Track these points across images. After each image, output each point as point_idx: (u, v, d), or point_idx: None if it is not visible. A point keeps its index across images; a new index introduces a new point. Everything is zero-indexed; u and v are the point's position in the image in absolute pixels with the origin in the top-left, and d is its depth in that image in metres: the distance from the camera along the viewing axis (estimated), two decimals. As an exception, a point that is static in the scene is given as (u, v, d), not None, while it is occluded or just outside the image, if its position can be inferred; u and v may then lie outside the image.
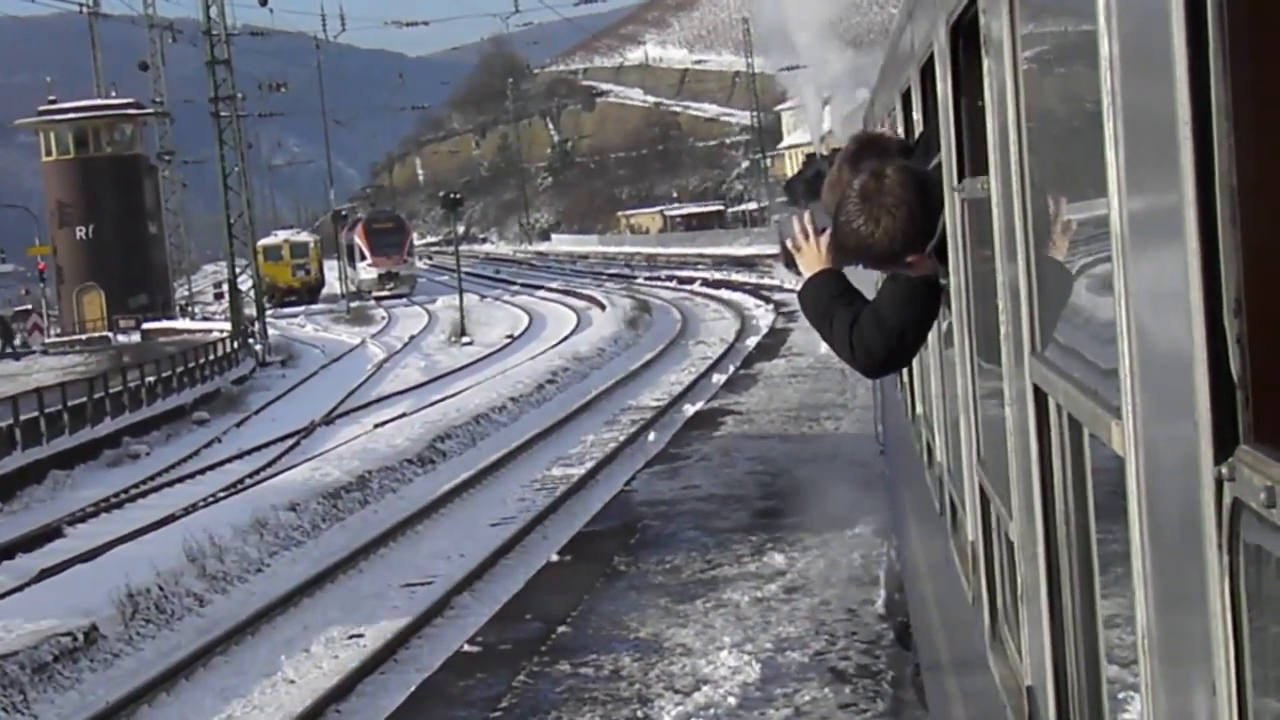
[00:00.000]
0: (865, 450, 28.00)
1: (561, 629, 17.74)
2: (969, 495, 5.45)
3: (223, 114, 71.04)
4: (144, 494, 34.84)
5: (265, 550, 25.55)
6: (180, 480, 36.45)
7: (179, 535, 25.09)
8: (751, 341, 55.88)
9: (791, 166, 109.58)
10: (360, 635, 21.03)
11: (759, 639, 16.76)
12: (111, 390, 44.79)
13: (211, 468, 37.88)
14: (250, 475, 35.46)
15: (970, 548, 5.44)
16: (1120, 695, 2.95)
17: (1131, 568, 2.29)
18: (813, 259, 5.66)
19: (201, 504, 31.10)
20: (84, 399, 42.54)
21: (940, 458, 7.22)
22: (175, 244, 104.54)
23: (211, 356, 57.67)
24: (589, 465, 32.15)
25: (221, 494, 32.35)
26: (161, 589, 22.51)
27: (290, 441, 40.97)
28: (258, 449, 40.34)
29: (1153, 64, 1.99)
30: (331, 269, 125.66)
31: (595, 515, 25.11)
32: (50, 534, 30.41)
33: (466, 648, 17.65)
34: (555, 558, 21.77)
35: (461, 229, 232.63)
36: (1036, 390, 3.30)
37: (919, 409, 9.14)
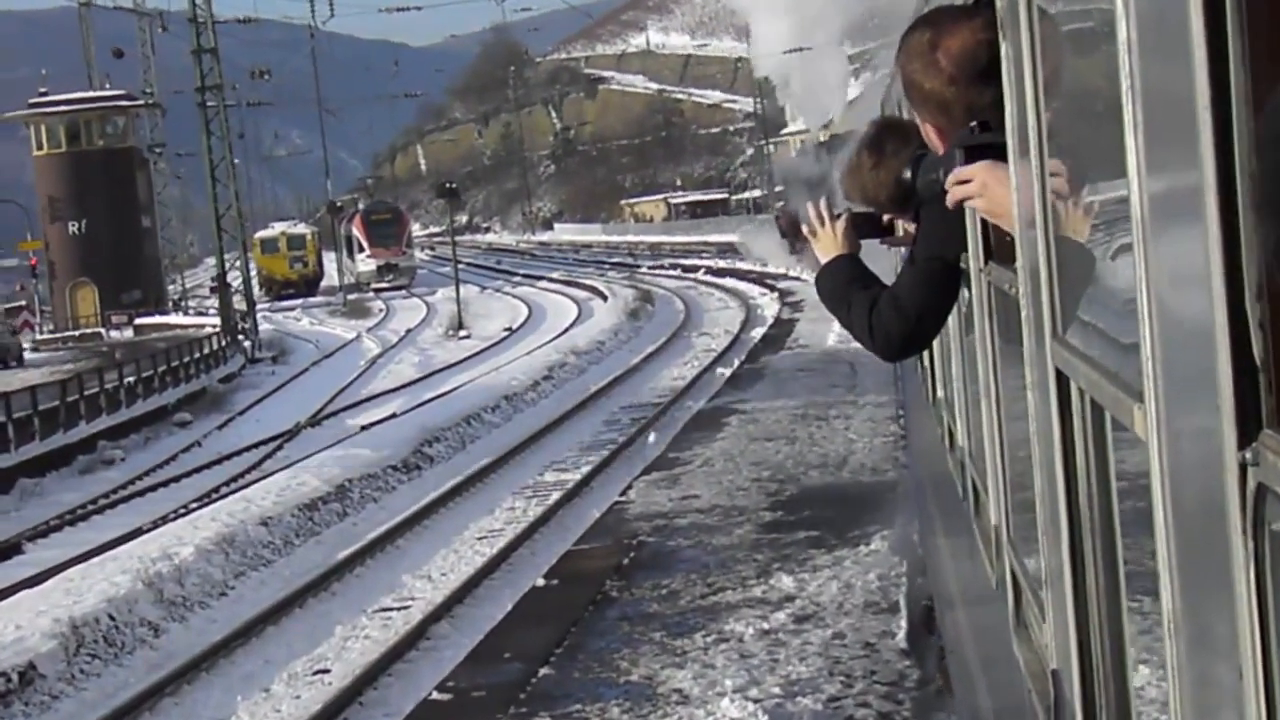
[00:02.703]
0: (878, 454, 26.13)
1: (543, 671, 15.75)
2: (991, 479, 5.52)
3: (210, 104, 69.02)
4: (113, 504, 32.87)
5: (231, 571, 23.58)
6: (153, 489, 34.45)
7: (138, 555, 23.16)
8: (757, 333, 54.08)
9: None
10: (326, 671, 19.08)
11: (765, 682, 14.78)
12: (88, 392, 42.77)
13: (187, 475, 35.86)
14: (226, 484, 33.50)
15: (994, 532, 5.52)
16: (1145, 680, 2.89)
17: (1156, 552, 2.23)
18: (829, 244, 5.57)
19: (173, 515, 29.16)
20: (56, 402, 40.54)
21: (962, 441, 7.29)
22: (168, 238, 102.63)
23: (198, 354, 55.68)
24: (584, 470, 30.24)
25: (194, 504, 30.38)
26: (112, 618, 20.55)
27: (273, 445, 39.02)
28: (238, 453, 38.35)
29: (1171, 47, 1.95)
30: (332, 261, 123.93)
31: (588, 530, 23.15)
32: (9, 550, 28.49)
33: (436, 695, 15.66)
34: (541, 582, 19.78)
35: (464, 219, 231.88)
36: (1058, 374, 3.29)
37: (940, 392, 9.20)
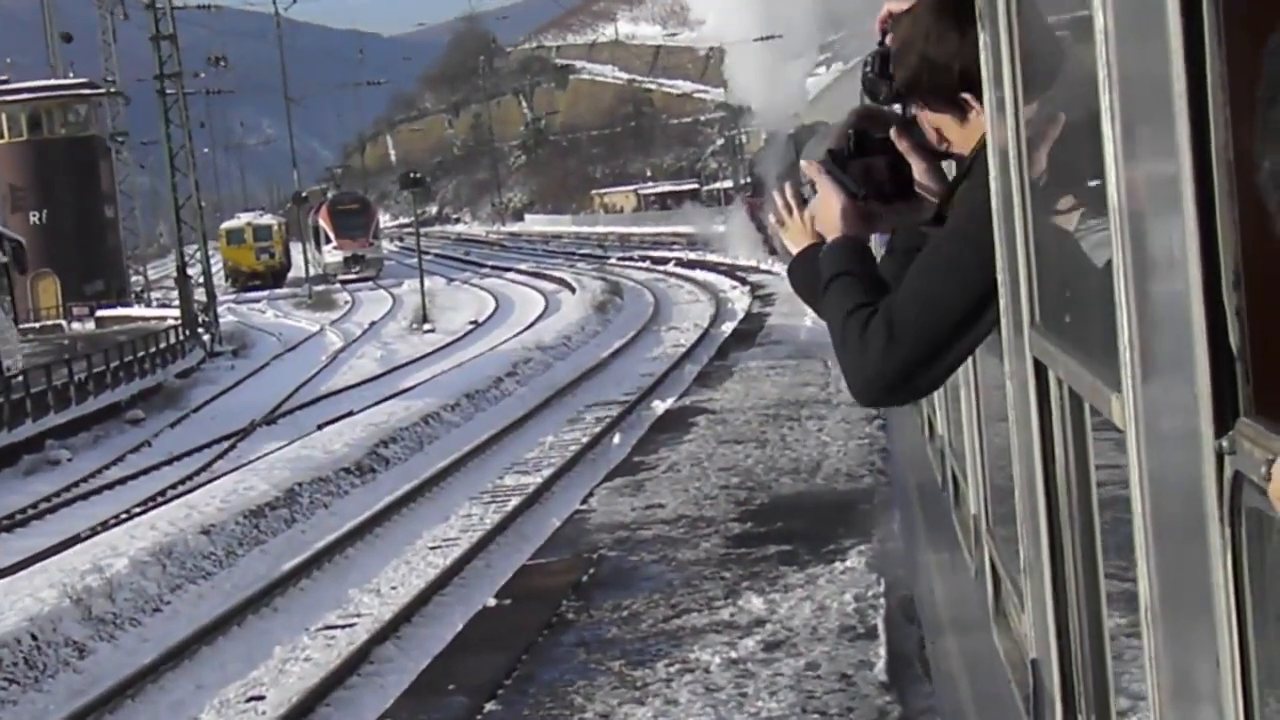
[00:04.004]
0: (853, 458, 24.87)
1: (490, 706, 14.42)
2: (970, 469, 5.61)
3: (169, 92, 67.46)
4: (54, 508, 31.38)
5: (167, 584, 22.18)
6: (97, 492, 32.92)
7: (69, 567, 21.80)
8: (727, 327, 52.91)
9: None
10: (260, 698, 17.76)
11: (733, 720, 13.49)
12: (35, 389, 41.28)
13: (133, 477, 34.34)
14: (173, 486, 32.06)
15: (973, 521, 5.60)
16: (1124, 667, 2.94)
17: (1134, 541, 2.26)
18: (798, 233, 4.99)
19: (113, 521, 27.76)
20: (0, 399, 39.07)
21: (941, 431, 7.40)
22: (130, 228, 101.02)
23: (154, 349, 54.14)
24: (545, 474, 28.94)
25: (137, 509, 28.96)
26: (35, 637, 19.18)
27: (225, 445, 37.59)
28: (188, 454, 36.87)
29: (1148, 36, 1.98)
30: (300, 252, 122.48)
31: (546, 541, 21.82)
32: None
33: (371, 733, 14.38)
34: (493, 601, 18.43)
35: (434, 209, 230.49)
36: (1036, 363, 3.29)
37: None
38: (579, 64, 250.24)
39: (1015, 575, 4.15)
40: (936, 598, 8.67)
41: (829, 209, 4.44)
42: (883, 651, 14.80)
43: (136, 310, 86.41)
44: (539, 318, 65.65)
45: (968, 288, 3.77)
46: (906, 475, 12.02)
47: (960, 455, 6.17)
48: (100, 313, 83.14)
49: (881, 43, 4.18)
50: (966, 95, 3.93)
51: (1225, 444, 1.85)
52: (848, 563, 18.11)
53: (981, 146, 3.80)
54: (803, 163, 4.92)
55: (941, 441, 7.38)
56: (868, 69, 4.25)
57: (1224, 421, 1.85)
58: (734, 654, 15.29)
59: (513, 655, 15.94)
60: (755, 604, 16.94)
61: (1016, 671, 4.22)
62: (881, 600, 16.46)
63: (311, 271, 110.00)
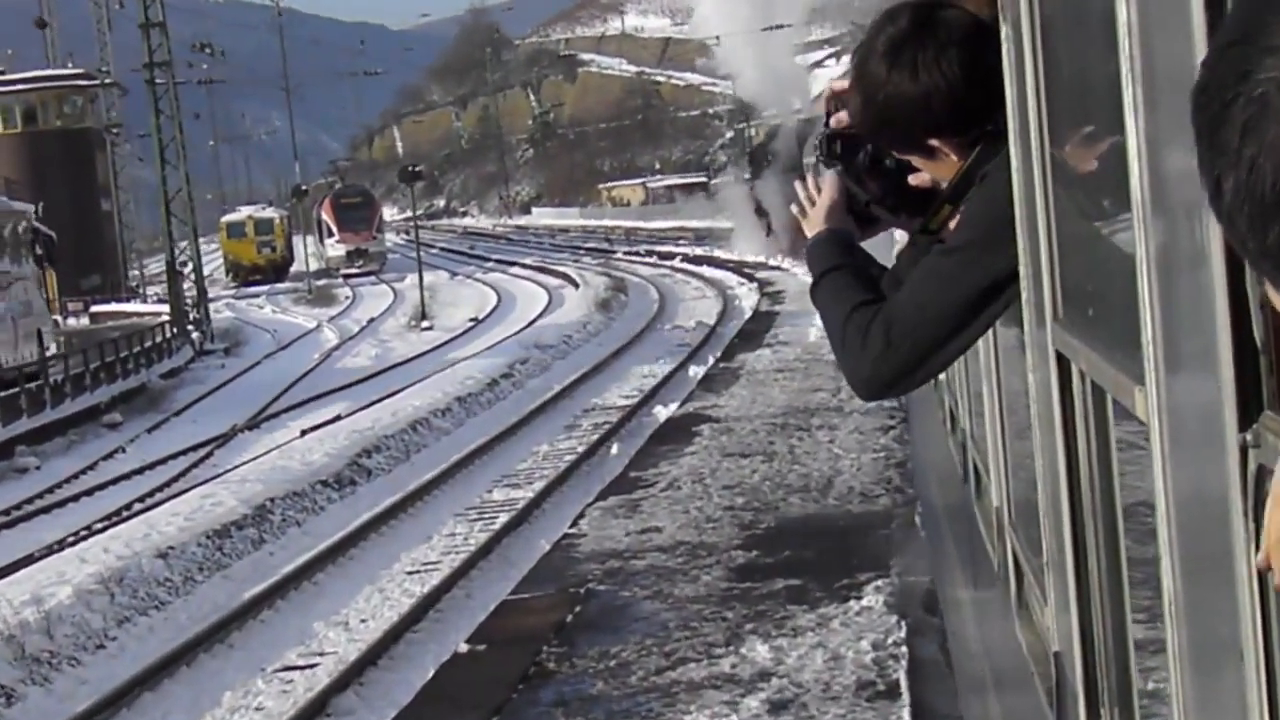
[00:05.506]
0: (867, 474, 22.91)
1: (450, 784, 12.45)
2: (993, 462, 5.57)
3: (159, 81, 65.50)
4: (12, 523, 29.25)
5: (114, 617, 20.15)
6: (61, 504, 30.82)
7: (5, 599, 19.80)
8: (734, 326, 50.94)
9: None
10: (201, 756, 15.79)
11: (732, 807, 11.48)
12: (6, 392, 39.29)
13: (100, 488, 32.20)
14: (140, 500, 29.95)
15: (995, 514, 5.58)
16: (1147, 662, 2.89)
17: (1157, 534, 2.22)
18: (815, 224, 4.64)
19: (72, 540, 25.71)
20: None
21: (964, 424, 7.43)
22: (128, 222, 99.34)
23: (139, 347, 52.13)
24: (537, 487, 26.94)
25: (99, 525, 26.91)
26: (-42, 683, 17.20)
27: (202, 453, 35.53)
28: (161, 462, 34.77)
29: (1171, 29, 1.96)
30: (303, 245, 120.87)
31: (531, 569, 19.78)
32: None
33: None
34: (465, 647, 16.37)
35: (442, 202, 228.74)
36: (1059, 356, 3.27)
37: (941, 376, 9.22)
38: (587, 56, 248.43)
39: (1038, 568, 4.18)
40: (958, 591, 8.66)
41: (820, 204, 4.34)
42: (907, 716, 12.82)
43: (131, 306, 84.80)
44: (540, 314, 63.74)
45: (966, 300, 3.79)
46: (928, 468, 12.00)
47: (982, 449, 6.20)
48: (95, 308, 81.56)
49: (827, 123, 4.19)
50: (934, 141, 3.88)
51: (1249, 438, 1.80)
52: (864, 601, 16.10)
53: (963, 173, 3.86)
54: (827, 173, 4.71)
55: (964, 435, 7.48)
56: (818, 152, 4.27)
57: (1248, 415, 1.81)
58: (735, 717, 13.28)
59: (483, 715, 13.92)
60: (760, 652, 14.92)
61: (1039, 665, 4.24)
62: (904, 649, 14.47)
63: (313, 265, 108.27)
